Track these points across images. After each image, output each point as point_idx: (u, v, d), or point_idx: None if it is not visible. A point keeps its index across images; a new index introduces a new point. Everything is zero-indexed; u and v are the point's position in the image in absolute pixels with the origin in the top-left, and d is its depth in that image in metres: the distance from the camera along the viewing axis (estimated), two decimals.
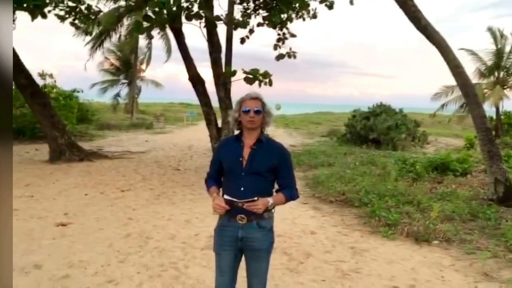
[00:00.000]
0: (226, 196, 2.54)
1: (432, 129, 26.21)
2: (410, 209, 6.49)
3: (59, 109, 16.75)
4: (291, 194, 2.68)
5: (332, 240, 5.50)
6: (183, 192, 8.39)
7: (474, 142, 15.73)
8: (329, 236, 5.67)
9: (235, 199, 2.49)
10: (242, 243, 2.61)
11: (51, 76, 19.15)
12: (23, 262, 4.45)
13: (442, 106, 24.08)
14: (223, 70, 10.66)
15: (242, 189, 2.54)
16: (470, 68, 22.75)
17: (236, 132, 2.79)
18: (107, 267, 4.39)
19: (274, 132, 25.85)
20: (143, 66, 32.21)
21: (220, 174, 2.77)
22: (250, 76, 9.56)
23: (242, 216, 2.55)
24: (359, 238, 5.59)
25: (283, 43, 10.62)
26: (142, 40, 27.77)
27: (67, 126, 15.12)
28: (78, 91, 20.84)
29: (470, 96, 7.22)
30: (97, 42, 23.54)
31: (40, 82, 15.74)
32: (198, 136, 20.13)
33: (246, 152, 2.62)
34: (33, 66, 13.18)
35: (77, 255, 4.72)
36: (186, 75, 11.13)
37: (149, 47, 29.80)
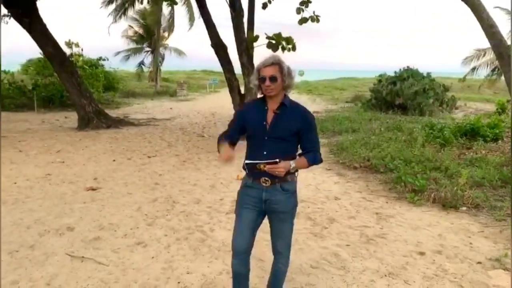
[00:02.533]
0: (247, 161, 2.50)
1: (461, 94, 25.37)
2: (438, 175, 6.37)
3: (86, 77, 17.04)
4: (314, 159, 2.63)
5: (356, 206, 5.49)
6: (207, 158, 8.48)
7: (506, 107, 15.16)
8: (354, 202, 5.66)
9: (256, 161, 2.45)
10: (266, 205, 2.62)
11: (77, 45, 19.38)
12: (57, 224, 4.64)
13: (473, 70, 23.10)
14: (246, 36, 10.50)
15: (265, 153, 2.51)
16: (505, 28, 21.56)
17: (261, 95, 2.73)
18: (136, 230, 4.53)
19: (298, 99, 25.60)
20: (166, 34, 32.03)
21: (238, 135, 2.71)
22: (273, 41, 9.39)
23: (266, 178, 2.54)
24: (384, 204, 5.56)
25: (307, 6, 10.28)
26: (164, 8, 27.51)
27: (94, 94, 15.39)
28: (103, 59, 21.08)
29: (504, 57, 6.89)
30: (121, 10, 23.49)
31: (67, 51, 15.94)
32: (221, 103, 20.16)
33: (269, 116, 2.58)
34: (59, 35, 13.29)
35: (107, 218, 4.89)
36: (209, 42, 11.03)
37: (171, 14, 29.53)
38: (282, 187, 2.60)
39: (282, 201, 2.61)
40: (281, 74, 2.52)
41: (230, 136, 2.71)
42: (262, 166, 2.42)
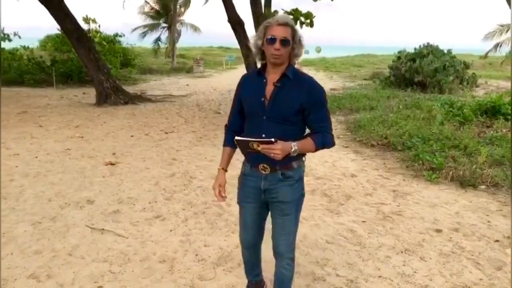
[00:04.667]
0: (237, 137, 2.03)
1: (482, 72, 24.69)
2: (456, 153, 6.28)
3: (103, 53, 17.09)
4: (323, 141, 2.13)
5: (373, 183, 5.46)
6: (224, 134, 8.50)
7: None
8: (370, 179, 5.63)
9: (247, 138, 2.00)
10: (266, 195, 2.24)
11: (94, 21, 19.39)
12: (77, 197, 4.75)
13: (496, 46, 22.38)
14: (263, 11, 10.35)
15: (263, 135, 2.07)
16: None
17: (260, 64, 2.29)
18: (154, 204, 4.61)
19: (314, 76, 25.31)
20: (182, 10, 31.79)
21: (242, 119, 2.34)
22: (291, 16, 9.23)
23: (265, 165, 2.16)
24: (401, 182, 5.52)
25: None
26: None
27: (111, 70, 15.47)
28: (120, 36, 21.11)
29: None
30: None
31: (84, 27, 15.97)
32: (238, 80, 20.04)
33: (268, 90, 2.12)
34: (76, 11, 13.33)
35: (125, 192, 4.98)
36: (225, 18, 10.92)
37: None
38: (284, 175, 2.18)
39: (283, 191, 2.20)
40: (293, 40, 2.06)
41: (232, 128, 2.41)
42: (255, 145, 1.97)
